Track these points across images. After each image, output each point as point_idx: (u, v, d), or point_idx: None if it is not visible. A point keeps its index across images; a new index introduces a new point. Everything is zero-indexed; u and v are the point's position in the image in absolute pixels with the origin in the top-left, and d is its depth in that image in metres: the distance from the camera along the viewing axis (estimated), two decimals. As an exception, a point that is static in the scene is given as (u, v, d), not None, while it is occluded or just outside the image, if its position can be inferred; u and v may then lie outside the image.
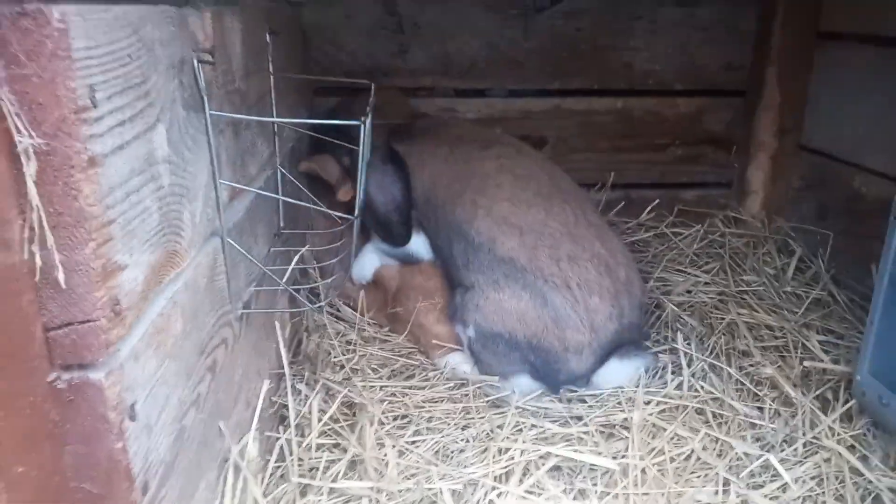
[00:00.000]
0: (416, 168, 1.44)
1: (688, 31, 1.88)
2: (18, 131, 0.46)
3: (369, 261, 1.52)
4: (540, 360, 1.27)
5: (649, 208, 1.99)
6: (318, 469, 1.06)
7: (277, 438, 1.08)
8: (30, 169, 0.47)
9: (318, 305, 1.30)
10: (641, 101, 1.94)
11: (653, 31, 1.88)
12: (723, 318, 1.56)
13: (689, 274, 1.76)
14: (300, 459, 1.07)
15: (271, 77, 1.20)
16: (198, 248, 0.77)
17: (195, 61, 0.75)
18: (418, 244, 1.45)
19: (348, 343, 1.46)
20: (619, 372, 1.34)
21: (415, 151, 1.45)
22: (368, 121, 0.87)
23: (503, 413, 1.26)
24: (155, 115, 0.64)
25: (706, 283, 1.72)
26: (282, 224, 1.26)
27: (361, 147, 0.86)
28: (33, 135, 0.46)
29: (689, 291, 1.70)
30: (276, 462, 1.04)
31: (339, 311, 1.55)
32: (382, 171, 1.38)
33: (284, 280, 1.05)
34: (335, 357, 1.34)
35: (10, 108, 0.45)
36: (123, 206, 0.56)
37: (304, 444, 1.08)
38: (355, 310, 1.54)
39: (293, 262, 1.04)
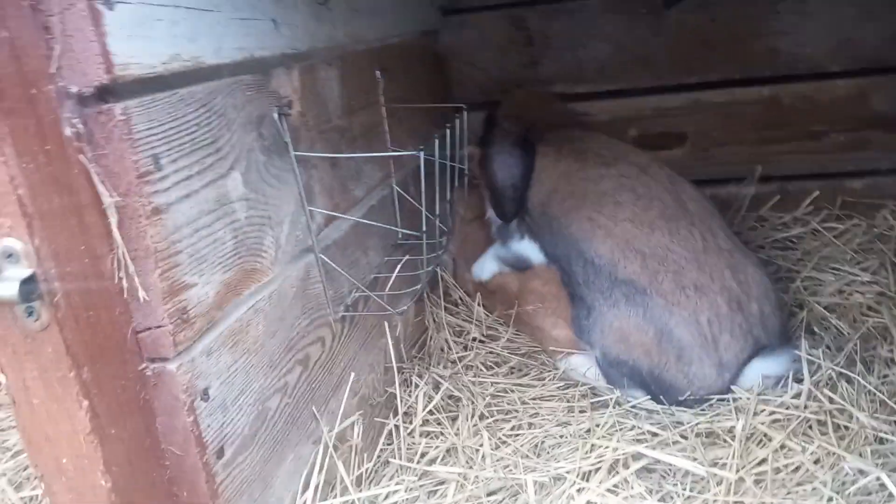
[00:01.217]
0: (534, 182, 1.50)
1: (842, 8, 1.72)
2: (104, 193, 0.66)
3: (490, 265, 1.62)
4: (661, 389, 1.27)
5: (808, 201, 1.86)
6: (417, 453, 1.20)
7: (386, 424, 1.24)
8: (113, 219, 0.66)
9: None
10: (791, 87, 1.82)
11: (800, 12, 1.75)
12: (873, 320, 1.43)
13: (844, 272, 1.63)
14: (407, 444, 1.22)
15: (383, 108, 1.36)
16: (284, 264, 0.95)
17: (275, 115, 0.93)
18: (530, 250, 1.50)
19: (473, 339, 1.58)
20: (753, 374, 1.28)
21: (536, 164, 1.51)
22: (437, 146, 0.99)
23: (605, 413, 1.29)
24: (228, 165, 0.82)
25: (863, 283, 1.58)
26: (400, 235, 1.42)
27: (422, 173, 0.98)
28: (113, 195, 0.66)
29: (841, 291, 1.58)
30: (383, 445, 1.20)
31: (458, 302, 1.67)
32: (510, 153, 1.48)
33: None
34: (453, 355, 1.47)
35: (97, 177, 0.65)
36: (192, 239, 0.74)
37: (408, 431, 1.23)
38: (468, 295, 1.65)
39: (396, 270, 1.19)
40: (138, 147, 0.66)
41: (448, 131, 1.11)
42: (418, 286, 1.20)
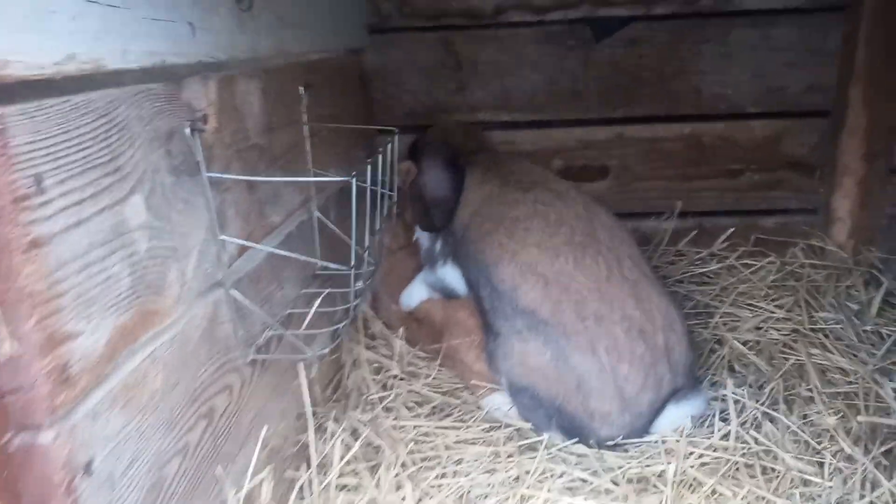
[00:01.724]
0: (461, 200, 1.45)
1: (764, 53, 1.77)
2: (-36, 221, 0.52)
3: (418, 291, 1.55)
4: (566, 422, 1.23)
5: (723, 237, 1.89)
6: (335, 509, 1.08)
7: (298, 476, 1.12)
8: (-25, 253, 0.53)
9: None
10: (712, 125, 1.85)
11: (724, 55, 1.79)
12: (792, 359, 1.45)
13: (760, 309, 1.65)
14: (322, 500, 1.10)
15: (305, 128, 1.25)
16: (189, 302, 0.82)
17: (188, 130, 0.81)
18: (453, 277, 1.46)
19: (394, 377, 1.48)
20: (676, 418, 1.26)
21: (466, 185, 1.47)
22: (370, 171, 0.89)
23: (534, 458, 1.23)
24: (128, 188, 0.69)
25: (778, 320, 1.61)
26: (320, 264, 1.31)
27: (353, 202, 0.88)
28: (-23, 223, 0.52)
29: (758, 328, 1.60)
30: (295, 501, 1.08)
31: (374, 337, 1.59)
32: (444, 169, 1.46)
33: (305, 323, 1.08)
34: (372, 395, 1.37)
35: (-44, 201, 0.51)
36: (79, 277, 0.61)
37: (323, 485, 1.11)
38: (389, 328, 1.59)
39: (313, 307, 1.08)
40: (16, 164, 0.53)
41: (380, 156, 1.02)
42: (341, 325, 1.09)
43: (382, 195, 1.19)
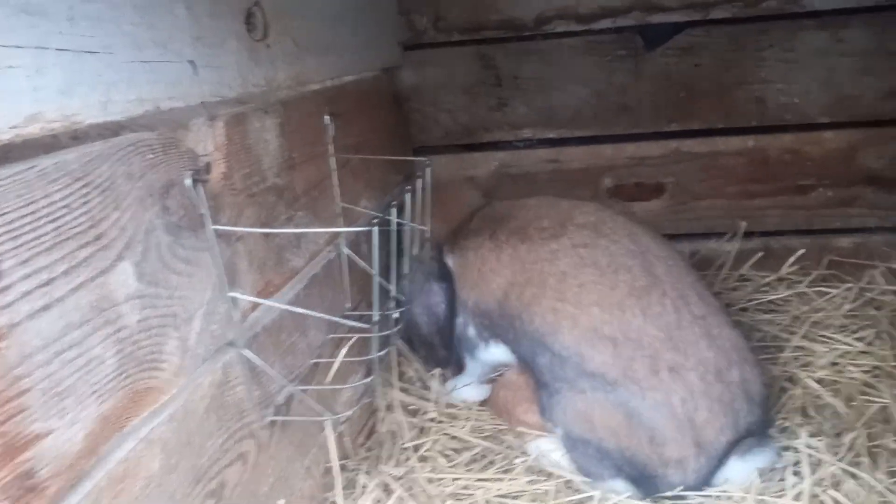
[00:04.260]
0: (480, 281, 1.30)
1: (835, 58, 1.61)
2: None
3: (474, 391, 1.44)
4: (635, 472, 1.13)
5: (792, 259, 1.73)
6: (364, 579, 1.00)
7: (327, 542, 1.03)
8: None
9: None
10: (777, 138, 1.70)
11: (790, 61, 1.63)
12: (875, 402, 1.29)
13: (836, 341, 1.49)
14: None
15: (332, 159, 1.17)
16: (193, 371, 0.74)
17: (188, 181, 0.73)
18: (502, 354, 1.32)
19: (432, 420, 1.39)
20: (741, 471, 1.14)
21: (476, 260, 1.31)
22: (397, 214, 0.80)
23: (585, 517, 1.12)
24: (114, 255, 0.62)
25: (858, 354, 1.45)
26: (349, 304, 1.23)
27: (375, 250, 0.79)
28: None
29: (835, 364, 1.44)
30: (322, 568, 1.00)
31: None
32: (427, 291, 1.30)
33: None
34: (406, 443, 1.27)
35: None
36: (50, 367, 0.54)
37: (353, 550, 1.03)
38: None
39: (339, 357, 0.99)
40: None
41: (409, 196, 0.92)
42: (368, 379, 1.00)
43: (413, 232, 1.09)
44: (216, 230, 0.78)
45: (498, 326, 1.29)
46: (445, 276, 1.32)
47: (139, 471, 0.64)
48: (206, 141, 0.79)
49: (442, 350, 1.35)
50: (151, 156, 0.68)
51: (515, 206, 1.38)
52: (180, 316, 0.72)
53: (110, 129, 0.62)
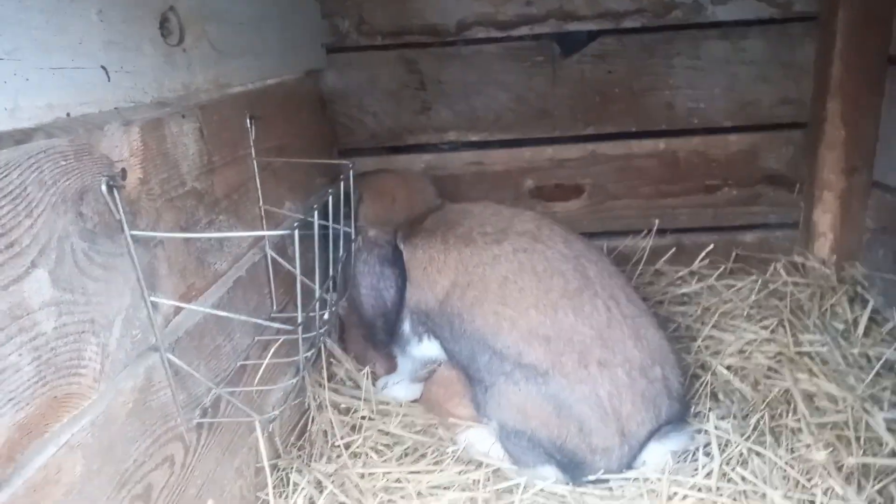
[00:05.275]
0: (424, 280, 1.34)
1: (736, 66, 1.72)
2: None
3: (405, 390, 1.48)
4: (565, 459, 1.20)
5: (703, 254, 1.83)
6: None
7: (256, 543, 1.04)
8: None
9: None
10: (686, 140, 1.80)
11: (696, 68, 1.73)
12: (778, 386, 1.39)
13: (743, 330, 1.59)
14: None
15: (254, 162, 1.18)
16: (114, 376, 0.74)
17: (103, 187, 0.73)
18: (434, 350, 1.37)
19: (363, 418, 1.40)
20: (658, 454, 1.22)
21: (424, 259, 1.35)
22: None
23: (512, 503, 1.16)
24: (27, 263, 0.61)
25: (763, 342, 1.55)
26: (275, 307, 1.23)
27: (297, 255, 0.81)
28: None
29: (742, 351, 1.54)
30: (251, 570, 1.00)
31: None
32: (380, 275, 1.33)
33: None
34: (338, 440, 1.29)
35: None
36: (-39, 376, 0.53)
37: (283, 550, 1.04)
38: (360, 362, 1.52)
39: (266, 359, 1.00)
40: None
41: (330, 197, 0.94)
42: (293, 380, 1.01)
43: (337, 233, 1.11)
44: (134, 236, 0.78)
45: (435, 324, 1.33)
46: (398, 262, 1.35)
47: (60, 477, 0.64)
48: (122, 146, 0.79)
49: (382, 334, 1.37)
50: (64, 162, 0.68)
51: (464, 210, 1.44)
52: (99, 322, 0.72)
53: (19, 136, 0.62)
